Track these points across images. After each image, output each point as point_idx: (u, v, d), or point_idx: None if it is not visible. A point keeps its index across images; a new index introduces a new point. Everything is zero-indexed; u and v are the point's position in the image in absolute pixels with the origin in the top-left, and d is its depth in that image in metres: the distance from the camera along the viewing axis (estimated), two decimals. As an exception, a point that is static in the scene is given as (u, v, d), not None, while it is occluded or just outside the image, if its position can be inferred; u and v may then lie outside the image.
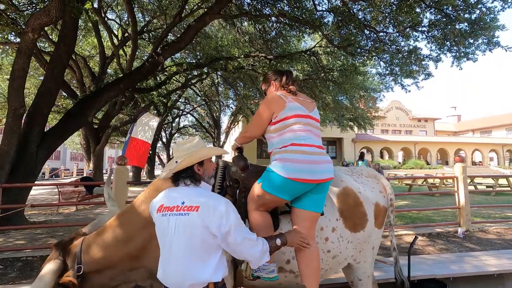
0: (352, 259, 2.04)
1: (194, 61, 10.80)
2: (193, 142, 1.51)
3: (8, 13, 6.96)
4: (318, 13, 7.62)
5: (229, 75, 12.01)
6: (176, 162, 1.44)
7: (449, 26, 5.61)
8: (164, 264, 1.34)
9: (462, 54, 5.97)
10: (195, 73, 11.30)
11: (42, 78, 11.61)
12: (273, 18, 8.44)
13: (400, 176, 16.11)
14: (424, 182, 12.14)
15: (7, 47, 9.48)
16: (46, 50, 9.66)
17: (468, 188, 4.95)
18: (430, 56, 6.73)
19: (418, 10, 5.73)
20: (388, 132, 37.15)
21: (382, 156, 34.11)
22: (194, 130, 27.93)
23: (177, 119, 24.97)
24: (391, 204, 2.19)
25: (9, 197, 4.89)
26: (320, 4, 7.91)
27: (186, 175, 1.44)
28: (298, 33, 8.41)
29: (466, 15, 5.35)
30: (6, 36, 8.60)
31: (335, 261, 1.93)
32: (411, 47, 6.77)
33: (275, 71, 1.94)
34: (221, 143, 24.46)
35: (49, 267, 1.51)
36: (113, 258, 1.65)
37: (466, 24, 5.44)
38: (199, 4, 8.74)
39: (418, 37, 6.34)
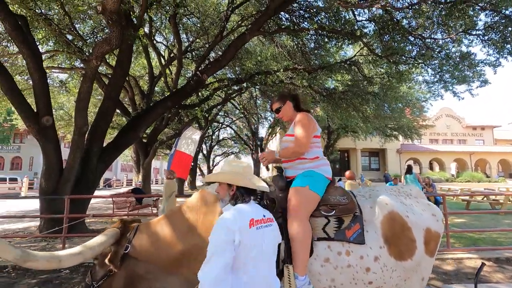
0: None
1: (234, 76, 11.21)
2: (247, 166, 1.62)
3: (75, 43, 7.95)
4: (358, 23, 7.47)
5: (268, 88, 12.22)
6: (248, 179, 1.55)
7: (510, 28, 5.12)
8: (251, 274, 1.34)
9: (527, 57, 5.39)
10: (235, 87, 11.68)
11: (99, 97, 12.95)
12: (311, 32, 8.46)
13: (455, 190, 14.72)
14: (485, 198, 10.90)
15: (73, 71, 10.77)
16: (103, 73, 10.73)
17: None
18: (486, 61, 6.16)
19: (471, 12, 5.34)
20: (438, 142, 34.30)
21: (431, 168, 31.50)
22: (233, 142, 28.62)
23: (216, 132, 25.83)
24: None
25: (74, 207, 5.45)
26: (361, 14, 7.77)
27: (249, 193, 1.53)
28: (337, 43, 8.30)
29: (530, 15, 4.85)
30: (72, 62, 9.81)
31: None
32: (463, 52, 6.28)
33: (287, 94, 2.22)
34: (259, 154, 24.72)
35: (111, 231, 1.77)
36: (154, 254, 1.75)
37: (530, 24, 4.92)
38: (239, 22, 9.11)
39: (472, 41, 5.86)
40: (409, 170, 8.62)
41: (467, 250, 4.53)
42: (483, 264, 2.45)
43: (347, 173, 4.59)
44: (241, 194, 1.49)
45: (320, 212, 1.85)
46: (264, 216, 1.47)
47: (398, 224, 1.84)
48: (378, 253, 1.77)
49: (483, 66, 6.27)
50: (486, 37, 5.52)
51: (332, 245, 1.77)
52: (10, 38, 7.50)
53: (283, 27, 8.20)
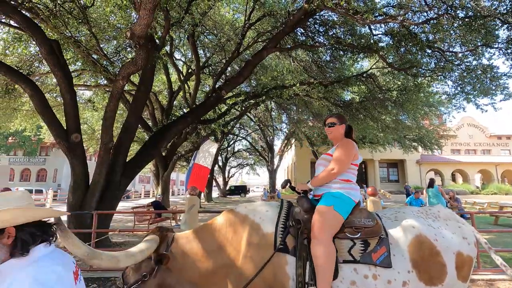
0: None
1: (250, 90, 11.43)
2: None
3: (101, 62, 8.41)
4: (374, 37, 7.50)
5: (283, 101, 12.34)
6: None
7: (533, 40, 5.01)
8: None
9: (553, 69, 5.21)
10: (252, 101, 11.88)
11: (120, 112, 13.47)
12: (327, 45, 8.56)
13: (480, 203, 14.03)
14: (514, 213, 10.34)
15: (97, 88, 11.33)
16: (125, 89, 11.19)
17: None
18: (510, 74, 6.00)
19: (491, 25, 5.26)
20: (460, 152, 33.07)
21: (454, 180, 30.28)
22: (248, 153, 28.80)
23: (232, 144, 26.12)
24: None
25: (100, 221, 5.63)
26: (377, 28, 7.80)
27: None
28: (352, 56, 8.33)
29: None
30: (97, 81, 10.34)
31: None
32: (484, 65, 6.15)
33: (346, 119, 2.35)
34: (274, 166, 24.66)
35: (153, 237, 1.79)
36: (186, 266, 1.79)
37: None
38: (256, 38, 9.35)
39: (494, 54, 5.75)
40: (431, 184, 8.37)
41: (499, 271, 4.32)
42: (517, 289, 2.36)
43: (369, 189, 4.53)
44: (30, 236, 0.96)
45: (345, 234, 1.86)
46: (73, 262, 1.07)
47: (427, 248, 1.82)
48: (406, 278, 1.75)
49: (507, 79, 6.10)
50: (508, 51, 5.40)
51: (358, 268, 1.76)
52: (41, 59, 8.07)
53: (299, 42, 8.34)
